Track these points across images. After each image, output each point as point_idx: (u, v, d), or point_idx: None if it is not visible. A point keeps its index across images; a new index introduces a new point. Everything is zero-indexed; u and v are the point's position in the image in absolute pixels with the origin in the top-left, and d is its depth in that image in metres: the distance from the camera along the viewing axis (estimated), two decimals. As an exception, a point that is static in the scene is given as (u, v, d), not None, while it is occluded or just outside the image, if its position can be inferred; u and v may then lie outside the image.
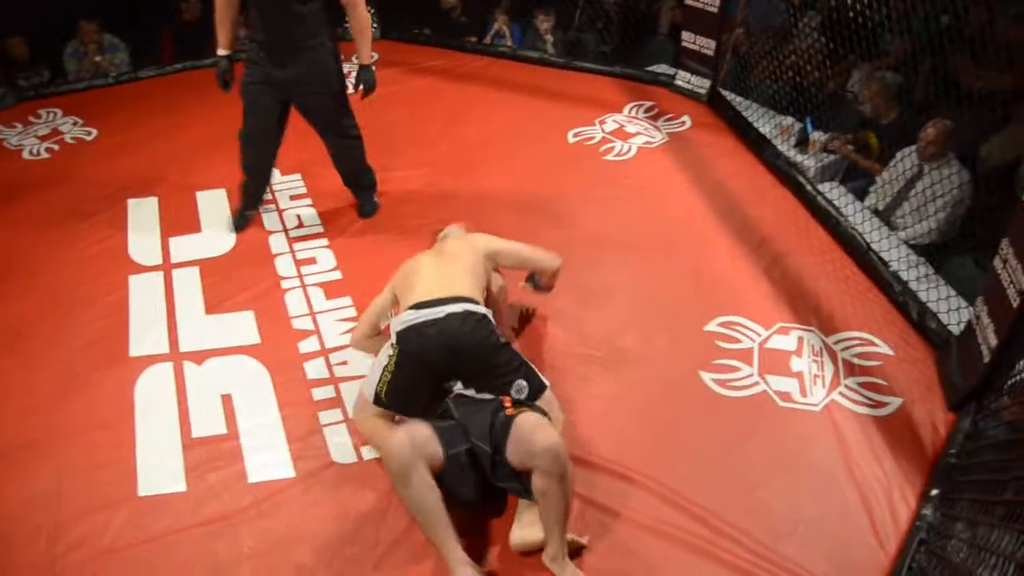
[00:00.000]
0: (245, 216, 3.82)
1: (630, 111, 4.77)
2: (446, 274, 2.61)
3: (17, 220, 3.95)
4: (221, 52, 3.39)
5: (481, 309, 2.53)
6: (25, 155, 4.60)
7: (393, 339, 2.49)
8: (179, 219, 3.89)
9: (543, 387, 2.51)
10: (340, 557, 2.30)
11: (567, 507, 2.18)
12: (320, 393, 2.87)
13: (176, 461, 2.63)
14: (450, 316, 2.44)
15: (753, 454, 2.59)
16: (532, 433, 2.15)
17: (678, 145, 4.40)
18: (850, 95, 4.45)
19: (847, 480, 2.48)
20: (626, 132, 4.53)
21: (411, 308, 2.50)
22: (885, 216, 3.70)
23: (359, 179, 3.85)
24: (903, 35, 4.18)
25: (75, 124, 4.92)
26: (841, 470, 2.52)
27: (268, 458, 2.63)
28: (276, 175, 4.19)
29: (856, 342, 3.02)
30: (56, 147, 4.68)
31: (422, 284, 2.58)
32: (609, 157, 4.31)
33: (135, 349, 3.11)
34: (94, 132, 4.82)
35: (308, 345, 3.09)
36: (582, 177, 4.12)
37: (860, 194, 3.89)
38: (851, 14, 3.97)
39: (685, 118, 4.66)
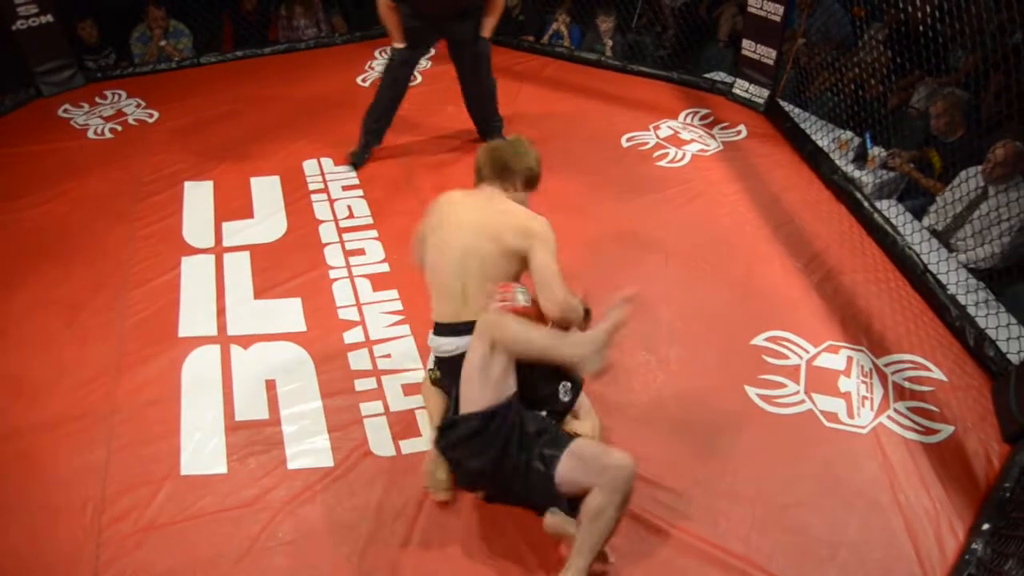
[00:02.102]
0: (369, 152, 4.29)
1: (686, 118, 4.72)
2: (478, 284, 2.30)
3: (78, 197, 4.06)
4: (398, 45, 4.00)
5: None
6: (90, 134, 4.73)
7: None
8: (233, 204, 3.96)
9: (580, 382, 2.41)
10: (372, 550, 2.32)
11: (611, 531, 2.08)
12: (362, 384, 2.89)
13: (218, 442, 2.68)
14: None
15: (795, 473, 2.53)
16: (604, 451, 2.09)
17: (733, 154, 4.33)
18: (913, 111, 4.33)
19: (892, 507, 2.42)
20: (680, 139, 4.48)
21: (437, 331, 2.40)
22: (944, 237, 3.59)
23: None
24: (974, 51, 4.05)
25: (138, 106, 5.04)
26: (886, 496, 2.45)
27: (308, 446, 2.66)
28: (329, 164, 4.25)
29: (908, 365, 2.93)
30: (119, 128, 4.80)
31: (449, 291, 2.34)
32: (662, 163, 4.26)
33: (184, 330, 3.17)
34: (156, 114, 4.93)
35: (353, 336, 3.12)
36: (634, 182, 4.09)
37: (918, 213, 3.78)
38: (921, 28, 3.86)
39: (741, 127, 4.59)
